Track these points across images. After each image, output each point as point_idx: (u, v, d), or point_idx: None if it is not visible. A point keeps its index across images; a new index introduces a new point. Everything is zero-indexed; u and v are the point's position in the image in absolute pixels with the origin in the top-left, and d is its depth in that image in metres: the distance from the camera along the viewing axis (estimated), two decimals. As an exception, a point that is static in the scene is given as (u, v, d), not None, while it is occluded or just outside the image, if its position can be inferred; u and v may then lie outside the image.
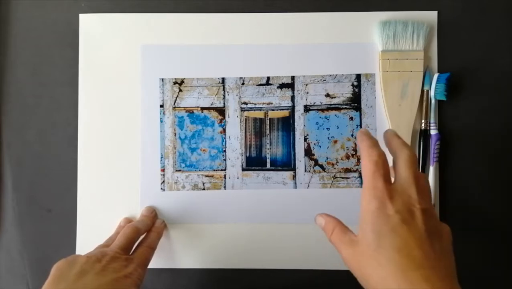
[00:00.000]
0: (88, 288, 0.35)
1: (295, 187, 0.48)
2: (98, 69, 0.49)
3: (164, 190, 0.48)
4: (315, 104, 0.48)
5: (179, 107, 0.48)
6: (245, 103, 0.48)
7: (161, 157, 0.48)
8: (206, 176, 0.48)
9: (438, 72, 0.47)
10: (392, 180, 0.34)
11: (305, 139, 0.48)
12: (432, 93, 0.46)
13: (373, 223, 0.31)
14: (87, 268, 0.36)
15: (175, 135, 0.48)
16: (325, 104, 0.48)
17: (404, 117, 0.47)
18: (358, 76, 0.48)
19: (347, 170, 0.48)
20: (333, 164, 0.48)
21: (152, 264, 0.43)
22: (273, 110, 0.48)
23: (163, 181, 0.48)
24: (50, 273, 0.36)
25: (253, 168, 0.48)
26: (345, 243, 0.34)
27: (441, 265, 0.30)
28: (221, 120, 0.48)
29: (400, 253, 0.30)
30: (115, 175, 0.48)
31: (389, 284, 0.29)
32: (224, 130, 0.48)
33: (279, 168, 0.48)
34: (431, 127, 0.47)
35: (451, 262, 0.31)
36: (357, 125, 0.48)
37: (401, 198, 0.32)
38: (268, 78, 0.48)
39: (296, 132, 0.48)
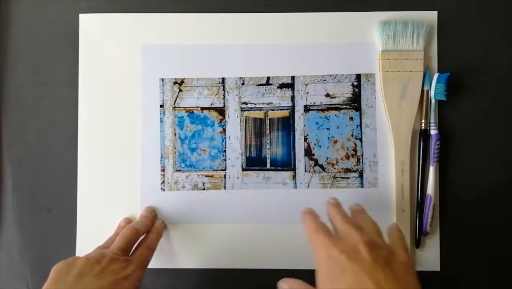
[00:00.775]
0: None
1: (295, 187, 0.48)
2: (98, 69, 0.49)
3: (164, 190, 0.48)
4: (315, 104, 0.48)
5: (179, 107, 0.48)
6: (245, 103, 0.48)
7: (161, 157, 0.48)
8: (206, 176, 0.48)
9: (438, 72, 0.47)
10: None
11: (305, 139, 0.48)
12: (432, 93, 0.46)
13: (325, 269, 0.34)
14: (86, 270, 0.36)
15: (175, 135, 0.48)
16: (325, 104, 0.48)
17: (404, 117, 0.47)
18: (358, 76, 0.48)
19: (347, 170, 0.48)
20: (333, 164, 0.48)
21: (151, 264, 0.43)
22: (273, 110, 0.48)
23: (163, 181, 0.48)
24: (49, 275, 0.36)
25: (253, 168, 0.48)
26: None
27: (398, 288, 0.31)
28: (221, 120, 0.48)
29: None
30: (115, 175, 0.48)
31: None
32: (224, 130, 0.48)
33: (279, 168, 0.48)
34: (431, 127, 0.47)
35: (410, 282, 0.33)
36: (357, 125, 0.48)
37: (344, 240, 0.35)
38: (268, 78, 0.48)
39: (296, 132, 0.48)
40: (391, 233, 0.39)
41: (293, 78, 0.48)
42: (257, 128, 0.48)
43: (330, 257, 0.34)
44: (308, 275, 0.47)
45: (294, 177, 0.48)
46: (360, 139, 0.48)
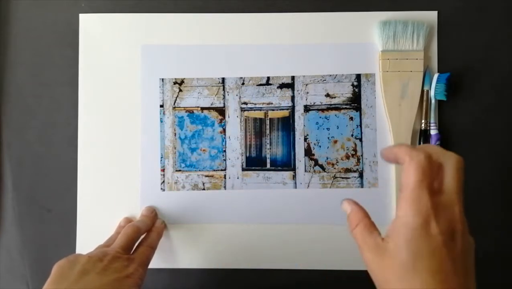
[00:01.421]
0: (89, 288, 0.35)
1: (295, 187, 0.48)
2: (98, 69, 0.49)
3: (164, 190, 0.48)
4: (315, 104, 0.48)
5: (179, 107, 0.48)
6: (245, 103, 0.48)
7: (161, 157, 0.48)
8: (206, 176, 0.48)
9: (438, 72, 0.47)
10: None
11: (305, 139, 0.48)
12: (432, 93, 0.46)
13: (413, 242, 0.28)
14: (88, 268, 0.36)
15: (175, 135, 0.48)
16: (325, 104, 0.48)
17: (404, 117, 0.47)
18: (358, 76, 0.48)
19: (347, 170, 0.48)
20: (333, 164, 0.48)
21: (152, 264, 0.42)
22: (273, 110, 0.48)
23: (163, 181, 0.48)
24: (51, 272, 0.36)
25: (253, 168, 0.48)
26: (369, 246, 0.30)
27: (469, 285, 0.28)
28: (221, 120, 0.48)
29: (435, 277, 0.27)
30: (115, 175, 0.48)
31: None
32: (224, 130, 0.48)
33: (279, 168, 0.48)
34: (431, 127, 0.47)
35: (471, 277, 0.29)
36: (357, 125, 0.48)
37: (446, 216, 0.29)
38: (268, 78, 0.48)
39: (296, 132, 0.48)
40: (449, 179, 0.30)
41: (293, 78, 0.48)
42: (257, 128, 0.48)
43: (424, 231, 0.28)
44: (308, 275, 0.47)
45: (294, 177, 0.48)
46: (360, 139, 0.48)
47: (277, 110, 0.48)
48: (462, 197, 0.30)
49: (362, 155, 0.48)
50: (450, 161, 0.30)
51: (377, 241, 0.30)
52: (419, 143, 0.47)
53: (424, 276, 0.28)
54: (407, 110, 0.46)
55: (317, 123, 0.48)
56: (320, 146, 0.48)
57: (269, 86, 0.48)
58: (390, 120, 0.47)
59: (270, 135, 0.48)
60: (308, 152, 0.48)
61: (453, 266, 0.28)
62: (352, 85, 0.48)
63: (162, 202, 0.48)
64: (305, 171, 0.48)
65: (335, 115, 0.48)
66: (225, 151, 0.48)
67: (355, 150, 0.48)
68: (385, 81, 0.47)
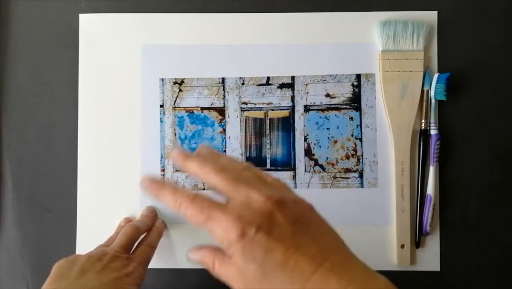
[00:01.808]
0: (89, 287, 0.35)
1: (295, 187, 0.48)
2: (98, 69, 0.49)
3: (164, 190, 0.48)
4: (315, 104, 0.48)
5: (179, 107, 0.48)
6: (245, 103, 0.48)
7: (161, 157, 0.48)
8: (206, 176, 0.48)
9: (438, 72, 0.47)
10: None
11: (305, 139, 0.48)
12: (432, 93, 0.46)
13: (245, 268, 0.26)
14: (88, 267, 0.36)
15: (175, 135, 0.48)
16: (325, 104, 0.48)
17: (404, 117, 0.47)
18: (358, 76, 0.48)
19: (347, 170, 0.48)
20: (333, 164, 0.48)
21: (152, 264, 0.42)
22: (273, 110, 0.48)
23: (163, 181, 0.48)
24: (51, 272, 0.36)
25: (253, 168, 0.48)
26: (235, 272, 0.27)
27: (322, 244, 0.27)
28: (221, 120, 0.48)
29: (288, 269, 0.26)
30: (115, 175, 0.48)
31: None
32: (224, 130, 0.48)
33: (279, 168, 0.48)
34: (431, 127, 0.47)
35: (334, 237, 0.28)
36: (357, 125, 0.48)
37: (244, 208, 0.27)
38: (268, 78, 0.48)
39: (296, 132, 0.48)
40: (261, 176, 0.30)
41: (293, 78, 0.48)
42: (257, 128, 0.48)
43: (245, 245, 0.26)
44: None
45: (294, 177, 0.48)
46: (360, 139, 0.48)
47: (277, 110, 0.48)
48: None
49: (362, 155, 0.48)
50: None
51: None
52: (419, 143, 0.47)
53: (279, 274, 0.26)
54: (407, 110, 0.46)
55: (317, 123, 0.48)
56: (320, 146, 0.48)
57: (269, 86, 0.48)
58: (390, 120, 0.47)
59: (270, 135, 0.48)
60: (308, 152, 0.48)
61: (297, 242, 0.26)
62: (352, 85, 0.48)
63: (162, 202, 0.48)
64: (305, 171, 0.48)
65: (335, 115, 0.48)
66: (225, 151, 0.48)
67: (355, 150, 0.48)
68: (385, 81, 0.47)
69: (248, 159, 0.48)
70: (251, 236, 0.26)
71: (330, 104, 0.48)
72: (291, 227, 0.27)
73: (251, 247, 0.26)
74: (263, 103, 0.48)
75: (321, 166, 0.48)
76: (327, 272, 0.26)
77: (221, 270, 0.28)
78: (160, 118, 0.48)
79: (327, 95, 0.48)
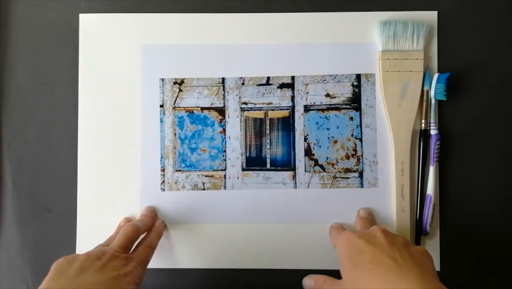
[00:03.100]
0: (87, 285, 0.35)
1: (295, 187, 0.48)
2: (98, 69, 0.49)
3: (164, 190, 0.48)
4: (315, 104, 0.48)
5: (179, 107, 0.48)
6: (245, 103, 0.48)
7: (161, 157, 0.48)
8: (206, 176, 0.48)
9: (438, 72, 0.47)
10: None
11: (305, 139, 0.48)
12: (432, 93, 0.46)
13: (345, 252, 0.38)
14: (86, 265, 0.36)
15: (175, 135, 0.48)
16: (325, 104, 0.48)
17: (404, 117, 0.47)
18: (358, 76, 0.48)
19: (347, 170, 0.48)
20: (333, 164, 0.48)
21: (152, 264, 0.43)
22: (273, 110, 0.48)
23: (163, 181, 0.48)
24: (50, 270, 0.36)
25: (253, 168, 0.48)
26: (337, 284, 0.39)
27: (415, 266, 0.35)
28: (221, 120, 0.48)
29: (372, 263, 0.35)
30: (115, 175, 0.48)
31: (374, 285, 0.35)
32: (224, 130, 0.48)
33: (279, 168, 0.48)
34: (431, 127, 0.47)
35: (427, 264, 0.36)
36: (357, 125, 0.48)
37: (362, 231, 0.40)
38: (268, 78, 0.48)
39: (296, 132, 0.48)
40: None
41: (293, 78, 0.48)
42: (257, 128, 0.48)
43: (349, 242, 0.38)
44: (308, 274, 0.47)
45: (294, 177, 0.48)
46: (360, 139, 0.48)
47: (277, 110, 0.48)
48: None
49: (362, 155, 0.48)
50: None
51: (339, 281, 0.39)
52: (419, 143, 0.47)
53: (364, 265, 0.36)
54: (407, 110, 0.46)
55: (317, 123, 0.48)
56: (320, 146, 0.48)
57: (269, 86, 0.48)
58: (390, 120, 0.47)
59: (270, 135, 0.48)
60: (308, 152, 0.48)
61: (388, 253, 0.36)
62: (352, 85, 0.48)
63: (162, 202, 0.48)
64: (305, 171, 0.48)
65: (335, 115, 0.48)
66: (225, 151, 0.48)
67: (355, 150, 0.48)
68: (385, 81, 0.47)
69: (248, 159, 0.48)
70: (354, 240, 0.39)
71: (330, 104, 0.48)
72: (388, 244, 0.38)
73: (352, 246, 0.39)
74: (263, 103, 0.48)
75: (321, 166, 0.48)
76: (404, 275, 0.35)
77: (335, 240, 0.43)
78: (160, 118, 0.48)
79: (327, 95, 0.48)
